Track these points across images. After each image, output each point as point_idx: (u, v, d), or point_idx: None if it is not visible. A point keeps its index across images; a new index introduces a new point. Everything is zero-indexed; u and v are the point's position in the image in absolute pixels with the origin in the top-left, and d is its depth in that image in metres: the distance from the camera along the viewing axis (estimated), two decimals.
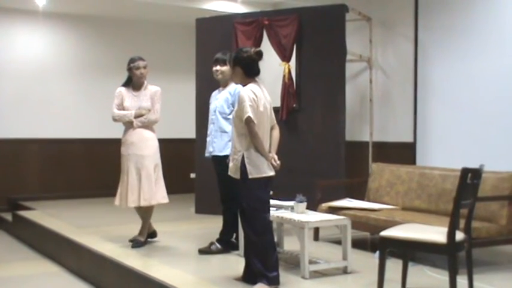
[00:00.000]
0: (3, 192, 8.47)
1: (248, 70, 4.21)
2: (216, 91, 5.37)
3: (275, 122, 4.34)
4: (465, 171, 3.59)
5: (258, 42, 7.07)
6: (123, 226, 6.14)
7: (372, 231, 5.50)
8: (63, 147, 8.94)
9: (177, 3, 8.12)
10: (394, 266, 4.20)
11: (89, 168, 9.05)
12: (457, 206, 3.60)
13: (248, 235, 4.14)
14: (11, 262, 6.25)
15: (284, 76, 7.02)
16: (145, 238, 5.56)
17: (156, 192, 5.45)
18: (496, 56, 6.14)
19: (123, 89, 5.57)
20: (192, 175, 7.91)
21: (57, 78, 8.93)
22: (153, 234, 5.74)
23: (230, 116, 4.91)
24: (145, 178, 5.39)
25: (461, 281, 3.74)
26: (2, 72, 8.58)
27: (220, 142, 5.12)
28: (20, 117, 8.65)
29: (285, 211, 4.83)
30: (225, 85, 5.25)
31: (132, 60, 5.51)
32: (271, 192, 4.31)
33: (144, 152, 5.43)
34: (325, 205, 5.61)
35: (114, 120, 5.57)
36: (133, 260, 4.97)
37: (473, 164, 3.75)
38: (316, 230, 5.78)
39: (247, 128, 4.06)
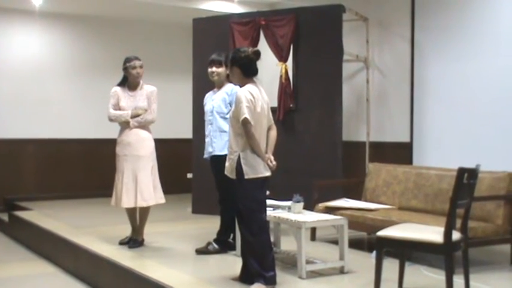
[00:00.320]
0: None
1: (246, 70, 4.21)
2: (211, 92, 5.35)
3: (272, 122, 4.34)
4: (461, 171, 3.60)
5: (254, 42, 7.06)
6: (119, 226, 6.13)
7: (368, 231, 5.51)
8: (60, 147, 8.92)
9: (173, 3, 8.12)
10: (390, 266, 4.21)
11: (85, 168, 9.04)
12: (454, 205, 3.61)
13: (245, 235, 4.15)
14: (8, 263, 6.24)
15: (281, 76, 7.02)
16: (142, 238, 5.56)
17: (153, 192, 5.44)
18: (491, 56, 6.16)
19: (118, 89, 5.53)
20: (189, 175, 7.91)
21: (54, 78, 8.92)
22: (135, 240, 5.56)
23: (228, 116, 4.90)
24: (142, 179, 5.38)
25: (458, 281, 3.75)
26: None
27: (220, 142, 5.11)
28: (17, 117, 8.63)
29: (282, 211, 4.84)
30: (220, 86, 5.24)
31: (127, 60, 5.48)
32: (268, 193, 4.31)
33: (140, 153, 5.42)
34: (322, 205, 5.62)
35: (110, 120, 5.54)
36: (130, 260, 4.97)
37: (469, 164, 3.75)
38: (313, 230, 5.79)
39: (243, 129, 4.06)
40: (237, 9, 8.37)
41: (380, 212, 5.34)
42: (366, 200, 5.94)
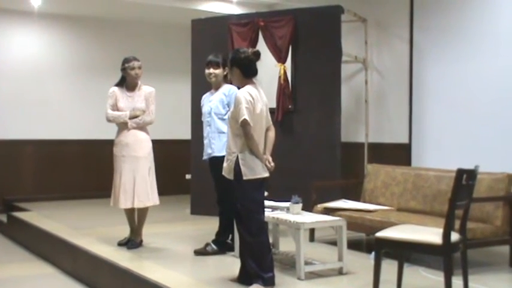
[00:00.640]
0: None
1: (246, 71, 4.21)
2: (208, 93, 5.34)
3: (271, 123, 4.34)
4: (460, 172, 3.60)
5: (253, 43, 7.06)
6: (118, 227, 6.12)
7: (367, 232, 5.50)
8: (59, 148, 8.91)
9: (172, 4, 8.11)
10: (389, 267, 4.20)
11: (84, 169, 9.02)
12: (452, 207, 3.61)
13: (243, 236, 4.15)
14: (6, 264, 6.23)
15: (280, 77, 7.02)
16: (140, 239, 5.55)
17: (150, 193, 5.43)
18: (490, 57, 6.16)
19: (116, 89, 5.51)
20: (188, 176, 7.91)
21: (53, 79, 8.91)
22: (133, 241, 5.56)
23: (226, 117, 4.90)
24: (140, 180, 5.37)
25: (457, 282, 3.74)
26: None
27: (219, 143, 5.10)
28: (15, 118, 8.62)
29: (280, 212, 4.84)
30: (217, 87, 5.23)
31: (126, 60, 5.46)
32: (266, 193, 4.31)
33: (139, 154, 5.41)
34: (320, 206, 5.62)
35: (108, 120, 5.52)
36: (129, 261, 4.97)
37: (468, 165, 3.75)
38: (312, 231, 5.79)
39: (242, 130, 4.06)
40: (235, 10, 8.36)
41: (379, 213, 5.34)
42: (364, 201, 5.94)
